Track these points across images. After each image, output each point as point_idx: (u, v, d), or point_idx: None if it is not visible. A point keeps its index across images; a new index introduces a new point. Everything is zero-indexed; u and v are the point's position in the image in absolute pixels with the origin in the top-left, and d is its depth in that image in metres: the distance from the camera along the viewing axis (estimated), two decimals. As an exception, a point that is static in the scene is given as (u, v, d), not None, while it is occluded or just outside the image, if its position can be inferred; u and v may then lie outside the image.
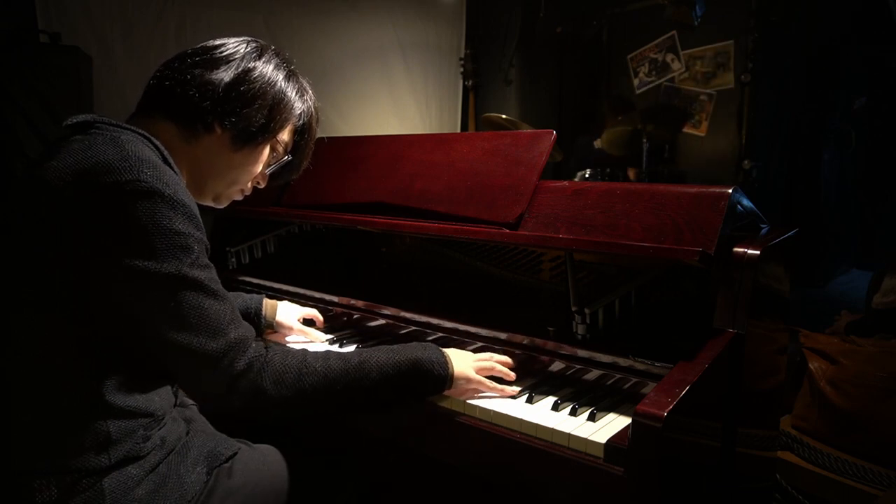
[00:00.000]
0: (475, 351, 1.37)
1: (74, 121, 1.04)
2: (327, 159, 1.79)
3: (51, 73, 2.59)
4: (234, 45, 1.15)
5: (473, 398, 1.19)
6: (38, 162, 0.99)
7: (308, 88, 1.25)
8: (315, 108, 1.26)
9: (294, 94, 1.19)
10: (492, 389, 1.21)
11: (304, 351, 1.09)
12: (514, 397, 1.20)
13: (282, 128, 1.19)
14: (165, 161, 1.03)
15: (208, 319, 0.97)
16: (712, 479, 1.23)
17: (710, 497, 1.25)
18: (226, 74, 1.11)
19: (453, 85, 5.06)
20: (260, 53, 1.16)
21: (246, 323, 1.04)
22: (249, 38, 1.19)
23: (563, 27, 5.11)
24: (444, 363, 1.19)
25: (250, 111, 1.12)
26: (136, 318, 0.96)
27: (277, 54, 1.20)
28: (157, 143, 1.04)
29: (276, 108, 1.16)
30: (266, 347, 1.04)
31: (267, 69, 1.15)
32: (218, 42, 1.15)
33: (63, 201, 0.93)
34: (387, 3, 4.51)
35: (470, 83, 4.75)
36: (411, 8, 4.67)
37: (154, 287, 0.94)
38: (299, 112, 1.21)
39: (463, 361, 1.22)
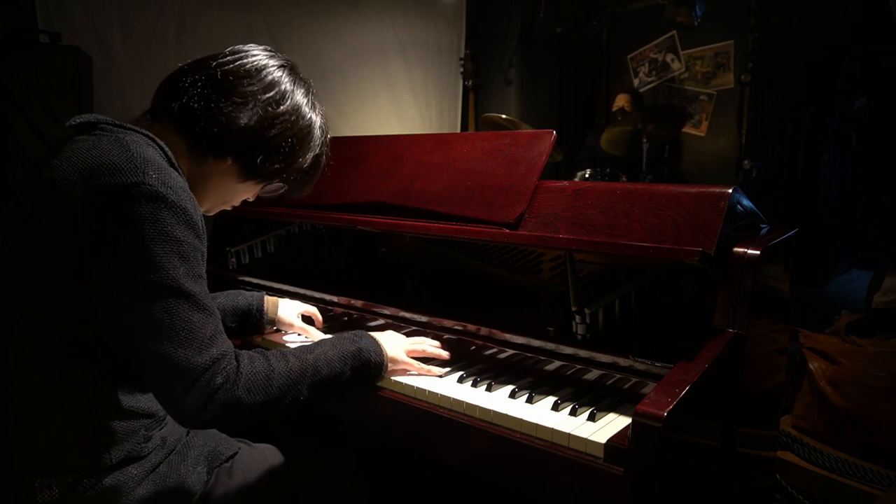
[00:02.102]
0: (475, 351, 1.37)
1: (78, 121, 1.03)
2: (327, 159, 1.79)
3: (51, 73, 2.58)
4: (272, 76, 1.10)
5: (472, 399, 1.19)
6: (42, 161, 0.99)
7: (325, 125, 1.21)
8: (327, 144, 1.23)
9: (317, 131, 1.17)
10: (418, 370, 1.29)
11: (263, 352, 1.07)
12: (512, 396, 1.20)
13: (292, 168, 1.18)
14: (170, 162, 1.01)
15: (196, 334, 0.94)
16: (712, 479, 1.23)
17: (710, 497, 1.25)
18: (251, 117, 1.07)
19: (453, 85, 5.06)
20: (290, 92, 1.11)
21: (226, 337, 1.02)
22: (284, 63, 1.14)
23: (563, 27, 5.10)
24: (379, 350, 1.24)
25: (268, 156, 1.11)
26: (124, 322, 0.94)
27: (307, 90, 1.16)
28: (162, 143, 1.03)
29: (293, 154, 1.14)
30: (236, 357, 1.01)
31: (293, 116, 1.11)
32: (250, 63, 1.09)
33: (67, 200, 0.92)
34: (387, 3, 4.51)
35: (470, 83, 4.74)
36: (411, 8, 4.66)
37: (146, 294, 0.92)
38: (313, 155, 1.20)
39: (394, 345, 1.29)
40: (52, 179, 0.94)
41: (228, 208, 1.26)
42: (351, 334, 1.25)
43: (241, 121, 1.06)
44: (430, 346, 1.35)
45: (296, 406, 1.08)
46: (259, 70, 1.09)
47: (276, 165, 1.13)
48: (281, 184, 1.23)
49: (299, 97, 1.13)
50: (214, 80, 1.06)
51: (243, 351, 1.05)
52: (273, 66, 1.11)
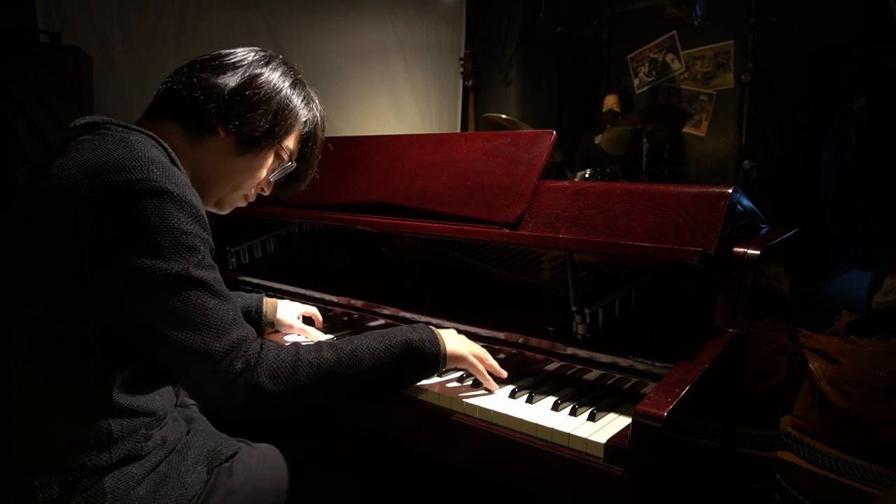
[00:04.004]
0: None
1: (82, 122, 1.04)
2: (327, 159, 1.79)
3: (51, 73, 2.58)
4: (243, 53, 1.17)
5: (471, 398, 1.19)
6: (47, 161, 1.00)
7: (315, 97, 1.26)
8: (321, 116, 1.27)
9: (299, 101, 1.20)
10: (482, 375, 1.21)
11: (297, 345, 1.09)
12: (512, 396, 1.19)
13: (286, 134, 1.19)
14: (172, 162, 1.03)
15: (212, 319, 0.97)
16: (712, 479, 1.23)
17: (710, 497, 1.25)
18: (231, 79, 1.12)
19: (453, 85, 5.06)
20: (267, 61, 1.18)
21: (247, 323, 1.04)
22: (258, 48, 1.20)
23: (563, 27, 5.10)
24: (436, 341, 1.18)
25: (254, 116, 1.13)
26: (139, 317, 0.96)
27: (285, 63, 1.21)
28: (164, 144, 1.05)
29: (280, 114, 1.16)
30: (261, 345, 1.04)
31: (273, 76, 1.16)
32: (227, 50, 1.17)
33: (72, 199, 0.93)
34: (387, 3, 4.51)
35: (470, 83, 4.75)
36: (411, 8, 4.67)
37: (159, 286, 0.94)
38: (304, 119, 1.22)
39: (457, 341, 1.22)
40: (57, 178, 0.95)
41: (244, 203, 1.26)
42: (405, 326, 1.21)
43: (221, 81, 1.12)
44: (490, 358, 1.25)
45: (336, 400, 1.08)
46: (234, 51, 1.18)
47: (265, 125, 1.15)
48: (288, 163, 1.24)
49: (275, 62, 1.20)
50: (194, 63, 1.15)
51: (273, 342, 1.06)
52: (248, 49, 1.19)
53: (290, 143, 1.22)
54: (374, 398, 1.21)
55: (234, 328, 0.99)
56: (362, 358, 1.10)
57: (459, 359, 1.20)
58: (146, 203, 0.93)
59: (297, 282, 1.75)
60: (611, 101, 4.49)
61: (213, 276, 1.00)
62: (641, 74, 5.23)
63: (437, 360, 1.18)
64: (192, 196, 0.99)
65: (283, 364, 1.03)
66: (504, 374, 1.26)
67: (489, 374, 1.23)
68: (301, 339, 1.56)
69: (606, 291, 1.31)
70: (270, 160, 1.21)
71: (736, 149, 4.53)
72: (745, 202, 1.35)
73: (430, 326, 1.22)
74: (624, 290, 1.32)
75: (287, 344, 1.08)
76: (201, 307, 0.96)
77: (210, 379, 0.97)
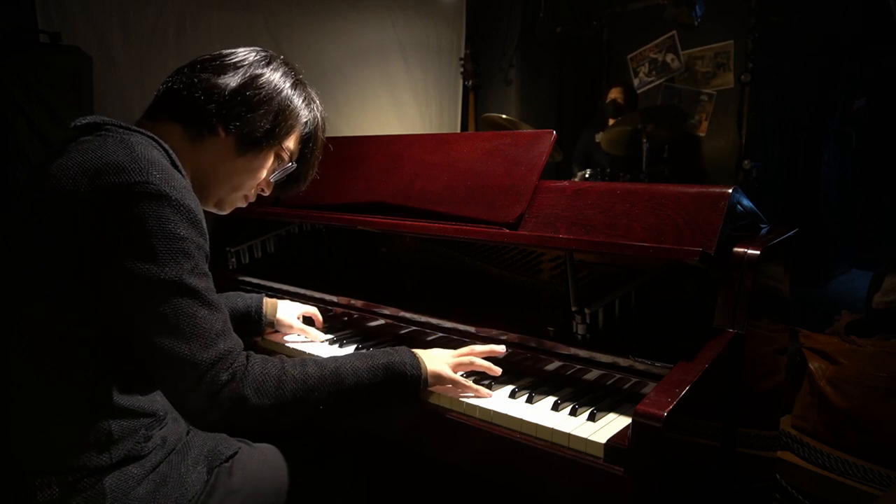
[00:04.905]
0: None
1: (83, 122, 1.04)
2: (327, 159, 1.79)
3: (51, 73, 2.58)
4: (244, 53, 1.16)
5: (471, 398, 1.19)
6: (46, 161, 0.99)
7: (315, 98, 1.25)
8: (322, 117, 1.26)
9: (300, 102, 1.20)
10: (467, 389, 1.21)
11: (282, 359, 1.08)
12: (512, 396, 1.20)
13: (287, 135, 1.19)
14: (173, 164, 1.03)
15: (201, 329, 0.96)
16: (712, 479, 1.23)
17: (710, 497, 1.25)
18: (232, 80, 1.12)
19: (453, 85, 5.06)
20: (268, 62, 1.18)
21: (235, 335, 1.03)
22: (259, 48, 1.20)
23: (563, 27, 5.10)
24: (417, 364, 1.18)
25: (255, 116, 1.13)
26: (130, 319, 0.95)
27: (286, 63, 1.21)
28: (165, 145, 1.04)
29: (281, 114, 1.16)
30: (247, 357, 1.03)
31: (274, 76, 1.16)
32: (228, 50, 1.16)
33: (71, 199, 0.93)
34: (387, 3, 4.51)
35: (470, 83, 4.75)
36: (411, 8, 4.66)
37: (151, 290, 0.93)
38: (305, 120, 1.22)
39: (437, 360, 1.22)
40: (57, 178, 0.94)
41: (244, 204, 1.26)
42: (390, 348, 1.21)
43: (222, 82, 1.11)
44: (478, 359, 1.26)
45: (317, 415, 1.07)
46: (235, 51, 1.17)
47: (266, 126, 1.14)
48: (289, 164, 1.23)
49: (276, 63, 1.19)
50: (195, 63, 1.15)
51: (259, 355, 1.05)
52: (249, 50, 1.18)
53: (291, 143, 1.22)
54: (356, 415, 1.21)
55: (221, 339, 0.98)
56: (345, 377, 1.10)
57: (442, 379, 1.21)
58: (144, 206, 0.92)
59: (297, 282, 1.75)
60: (615, 93, 4.47)
61: (206, 284, 0.99)
62: (641, 74, 5.22)
63: (418, 382, 1.18)
64: (191, 200, 0.98)
65: (268, 378, 1.02)
66: (498, 371, 1.26)
67: (482, 375, 1.23)
68: (301, 339, 1.56)
69: (606, 291, 1.31)
70: (271, 161, 1.20)
71: (736, 149, 4.52)
72: (745, 202, 1.35)
73: (414, 350, 1.21)
74: (624, 290, 1.32)
75: (274, 357, 1.07)
76: (191, 316, 0.95)
77: (195, 389, 0.95)
